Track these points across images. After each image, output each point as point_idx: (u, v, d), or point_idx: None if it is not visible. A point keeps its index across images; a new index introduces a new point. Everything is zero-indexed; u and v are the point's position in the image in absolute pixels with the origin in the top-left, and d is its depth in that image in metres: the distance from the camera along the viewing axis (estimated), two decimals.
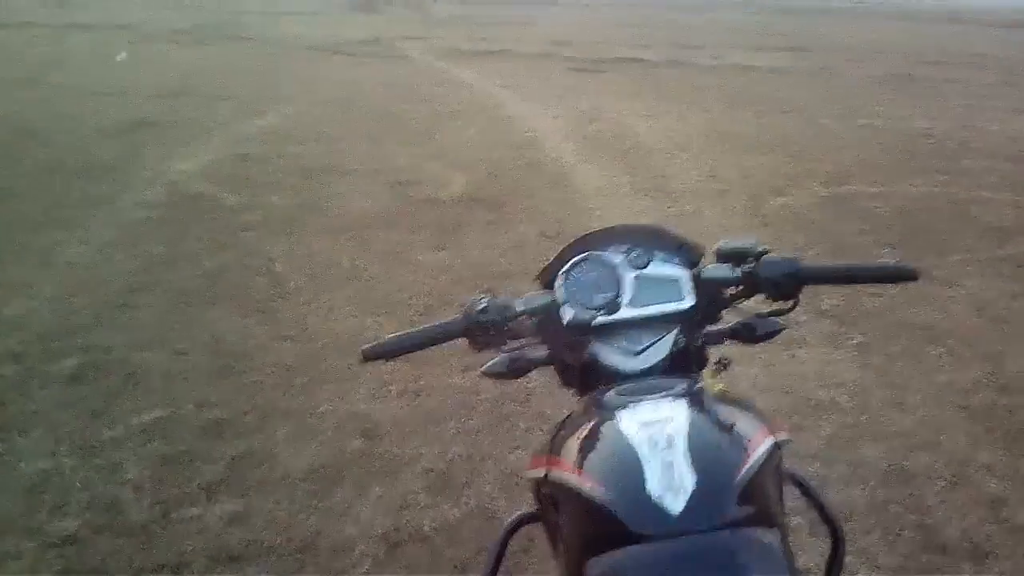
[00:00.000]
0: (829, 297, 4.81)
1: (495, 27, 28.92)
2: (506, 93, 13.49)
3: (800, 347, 4.28)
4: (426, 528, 2.94)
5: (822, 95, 13.89)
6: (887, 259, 1.58)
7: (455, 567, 2.74)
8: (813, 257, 5.43)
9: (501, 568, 1.49)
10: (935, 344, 4.34)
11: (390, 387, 3.89)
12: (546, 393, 3.68)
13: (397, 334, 1.51)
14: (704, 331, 1.64)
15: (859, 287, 4.89)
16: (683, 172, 8.32)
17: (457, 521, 2.98)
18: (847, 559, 2.69)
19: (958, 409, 3.71)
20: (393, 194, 7.30)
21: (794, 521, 2.88)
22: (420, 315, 4.61)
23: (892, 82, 15.60)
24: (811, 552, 2.68)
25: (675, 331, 1.57)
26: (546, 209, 6.86)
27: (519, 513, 1.52)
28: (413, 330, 1.53)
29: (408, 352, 1.53)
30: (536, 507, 1.49)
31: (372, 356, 1.52)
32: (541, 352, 1.64)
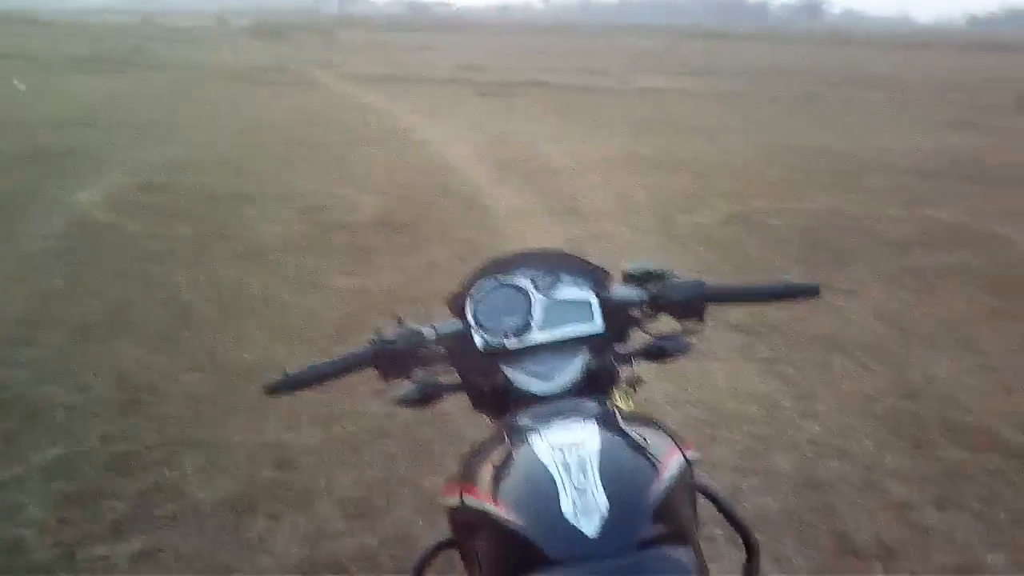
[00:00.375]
0: (736, 311, 4.90)
1: (403, 53, 28.98)
2: (416, 118, 13.50)
3: (710, 360, 4.34)
4: (343, 558, 2.88)
5: (726, 116, 14.23)
6: (789, 277, 1.62)
7: None
8: (721, 272, 5.55)
9: None
10: (841, 353, 4.45)
11: (302, 415, 3.81)
12: (461, 416, 3.65)
13: (302, 368, 1.48)
14: (614, 351, 1.65)
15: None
16: (593, 193, 8.42)
17: (375, 549, 2.92)
18: (763, 564, 2.74)
19: (865, 416, 3.80)
20: (304, 220, 7.21)
21: (716, 532, 2.92)
22: (333, 341, 4.54)
23: (793, 102, 16.07)
24: (729, 562, 2.70)
25: (585, 353, 1.58)
26: (458, 232, 6.86)
27: (435, 540, 1.50)
28: (319, 362, 1.50)
29: (314, 384, 1.50)
30: (452, 534, 1.47)
31: (276, 390, 1.48)
32: (452, 378, 1.62)
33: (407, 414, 3.76)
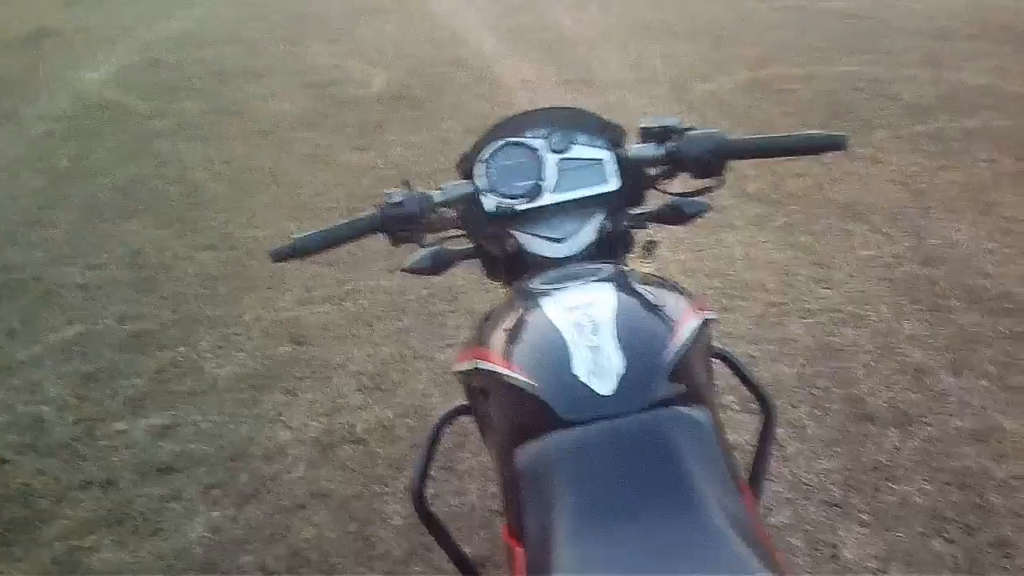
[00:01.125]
0: (754, 181, 4.81)
1: None
2: None
3: (727, 230, 4.28)
4: (359, 429, 2.91)
5: None
6: (814, 130, 1.55)
7: (390, 465, 2.73)
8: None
9: (434, 462, 1.46)
10: (859, 220, 4.38)
11: (315, 292, 3.81)
12: (474, 290, 3.64)
13: (308, 232, 1.45)
14: (629, 214, 1.61)
15: (786, 162, 4.91)
16: (608, 62, 8.20)
17: (391, 421, 2.95)
18: (778, 431, 2.75)
19: (882, 283, 3.76)
20: (313, 95, 7.08)
21: (726, 399, 2.93)
22: (344, 217, 4.49)
23: None
24: (742, 429, 2.72)
25: (600, 215, 1.53)
26: (470, 105, 6.72)
27: (450, 407, 1.49)
28: (325, 227, 1.46)
29: (321, 251, 1.46)
30: (466, 399, 1.46)
31: (282, 256, 1.45)
32: (464, 245, 1.59)
33: (420, 290, 3.76)
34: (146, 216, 4.65)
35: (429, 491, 2.56)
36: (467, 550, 2.34)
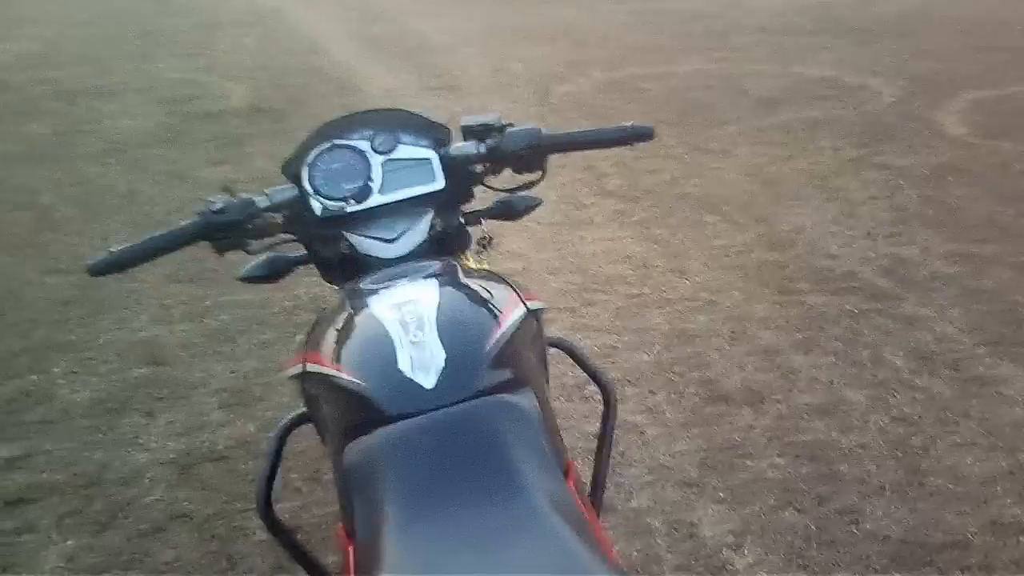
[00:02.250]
0: (612, 178, 4.93)
1: None
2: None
3: (587, 227, 4.37)
4: (220, 447, 2.85)
5: None
6: (625, 122, 1.60)
7: (253, 480, 2.68)
8: None
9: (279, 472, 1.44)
10: (712, 212, 4.53)
11: (173, 310, 3.72)
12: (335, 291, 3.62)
13: (126, 244, 1.41)
14: (462, 212, 1.63)
15: (643, 160, 5.04)
16: (469, 67, 8.27)
17: (253, 436, 2.90)
18: (637, 417, 2.82)
19: (734, 270, 3.90)
20: (168, 111, 6.90)
21: (588, 391, 2.99)
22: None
23: None
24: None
25: (430, 214, 1.54)
26: (332, 114, 6.63)
27: (289, 416, 1.48)
28: (144, 238, 1.43)
29: (141, 262, 1.43)
30: (304, 405, 1.46)
31: (100, 270, 1.41)
32: (299, 250, 1.58)
33: (284, 302, 3.71)
34: None
35: (294, 503, 2.55)
36: (333, 560, 2.34)
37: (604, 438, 1.61)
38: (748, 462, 2.68)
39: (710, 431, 2.82)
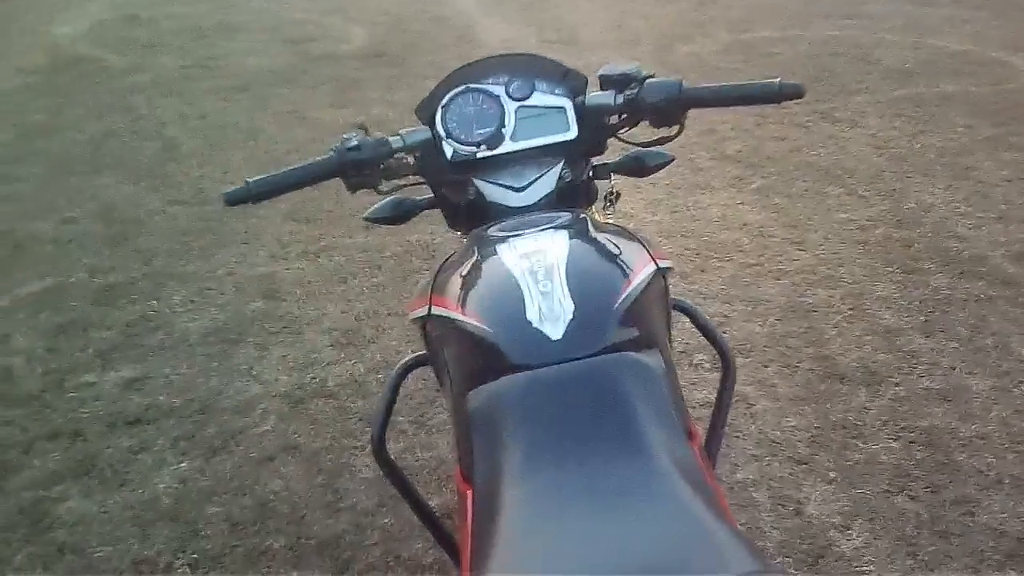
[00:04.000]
0: (733, 142, 4.80)
1: None
2: None
3: (704, 192, 4.27)
4: (331, 384, 2.90)
5: None
6: (772, 78, 1.53)
7: (361, 419, 2.73)
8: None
9: (394, 413, 1.45)
10: (835, 184, 4.38)
11: (290, 248, 3.78)
12: (452, 245, 3.62)
13: (262, 175, 1.42)
14: (592, 165, 1.60)
15: (767, 125, 4.90)
16: (590, 22, 8.14)
17: (362, 376, 2.94)
18: (747, 388, 2.77)
19: (856, 245, 3.77)
20: (290, 51, 7.00)
21: (697, 358, 2.94)
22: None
23: None
24: (711, 387, 2.73)
25: (560, 164, 1.52)
26: (450, 64, 6.52)
27: (409, 356, 1.49)
28: (279, 171, 1.43)
29: (276, 195, 1.43)
30: (424, 347, 1.46)
31: (236, 200, 1.42)
32: (426, 193, 1.57)
33: (396, 247, 3.74)
34: (119, 171, 4.59)
35: (399, 445, 2.58)
36: (435, 502, 2.37)
37: (721, 406, 1.57)
38: (861, 443, 2.60)
39: (823, 408, 2.74)
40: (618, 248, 1.26)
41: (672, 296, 1.48)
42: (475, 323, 1.16)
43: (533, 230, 1.29)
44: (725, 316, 3.24)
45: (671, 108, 1.46)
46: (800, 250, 3.74)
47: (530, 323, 1.11)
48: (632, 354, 1.13)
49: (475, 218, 1.50)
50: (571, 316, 1.11)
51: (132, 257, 3.73)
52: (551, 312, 1.12)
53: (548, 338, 1.10)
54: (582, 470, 1.02)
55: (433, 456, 2.55)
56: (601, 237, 1.29)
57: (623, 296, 1.16)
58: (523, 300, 1.13)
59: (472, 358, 1.18)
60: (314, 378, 2.94)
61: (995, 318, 3.23)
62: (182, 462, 2.57)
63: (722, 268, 3.60)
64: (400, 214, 1.55)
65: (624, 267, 1.22)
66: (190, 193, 4.33)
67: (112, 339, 3.15)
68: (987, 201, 4.15)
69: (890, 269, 3.57)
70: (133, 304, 3.38)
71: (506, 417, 1.08)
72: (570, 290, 1.14)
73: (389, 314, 3.31)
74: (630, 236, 1.35)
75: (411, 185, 1.54)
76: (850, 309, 3.29)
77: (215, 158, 4.78)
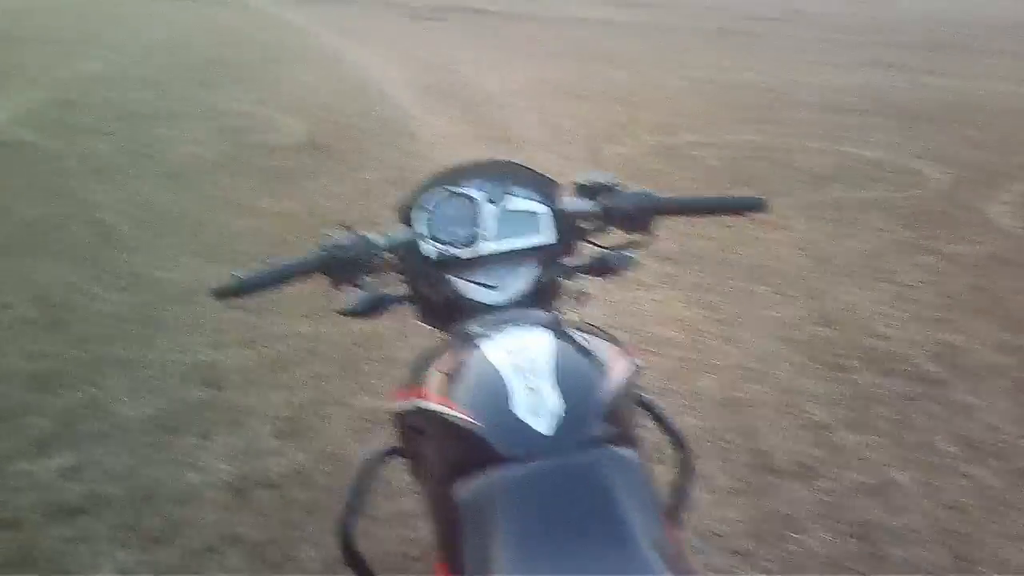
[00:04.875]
0: (664, 241, 4.94)
1: None
2: (344, 40, 13.20)
3: (639, 288, 4.40)
4: (274, 474, 2.89)
5: (653, 48, 14.24)
6: (736, 194, 1.65)
7: (305, 510, 2.72)
8: None
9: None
10: (762, 283, 4.56)
11: (229, 335, 3.78)
12: (393, 337, 3.67)
13: (252, 272, 1.46)
14: (561, 265, 1.68)
15: (694, 225, 5.08)
16: (522, 121, 8.39)
17: (306, 467, 2.94)
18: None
19: (784, 342, 3.92)
20: (227, 140, 7.06)
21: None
22: (259, 262, 4.47)
23: (719, 36, 16.13)
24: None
25: (534, 265, 1.59)
26: (388, 156, 6.79)
27: (380, 447, 1.50)
28: (268, 267, 1.48)
29: (263, 289, 1.47)
30: (399, 440, 1.49)
31: (225, 293, 1.46)
32: (399, 288, 1.63)
33: (338, 336, 3.76)
34: (54, 256, 4.54)
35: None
36: None
37: (681, 494, 1.63)
38: (797, 535, 2.68)
39: (759, 501, 2.83)
40: (596, 347, 1.33)
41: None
42: (463, 416, 1.20)
43: (513, 327, 1.36)
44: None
45: (641, 216, 1.56)
46: (731, 346, 3.87)
47: (517, 416, 1.17)
48: (617, 449, 1.19)
49: (451, 314, 1.56)
50: (561, 412, 1.17)
51: (69, 343, 3.68)
52: (538, 406, 1.17)
53: (539, 433, 1.16)
54: (575, 563, 1.07)
55: (381, 550, 2.55)
56: (579, 336, 1.36)
57: (608, 392, 1.23)
58: (509, 394, 1.19)
59: (459, 450, 1.22)
60: (257, 468, 2.92)
61: (917, 414, 3.38)
62: (122, 553, 2.52)
63: (658, 363, 3.69)
64: (376, 308, 1.60)
65: (604, 365, 1.29)
66: (127, 280, 4.30)
67: (48, 427, 3.08)
68: (905, 302, 4.37)
69: (817, 366, 3.72)
70: (70, 391, 3.32)
71: (500, 510, 1.13)
72: (556, 386, 1.20)
73: (333, 403, 3.32)
74: (603, 333, 1.42)
75: (388, 281, 1.60)
76: (781, 404, 3.41)
77: (151, 244, 4.76)
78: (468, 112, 8.68)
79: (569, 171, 5.24)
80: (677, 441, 1.61)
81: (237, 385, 3.43)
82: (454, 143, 7.39)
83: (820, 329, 4.06)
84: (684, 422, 3.22)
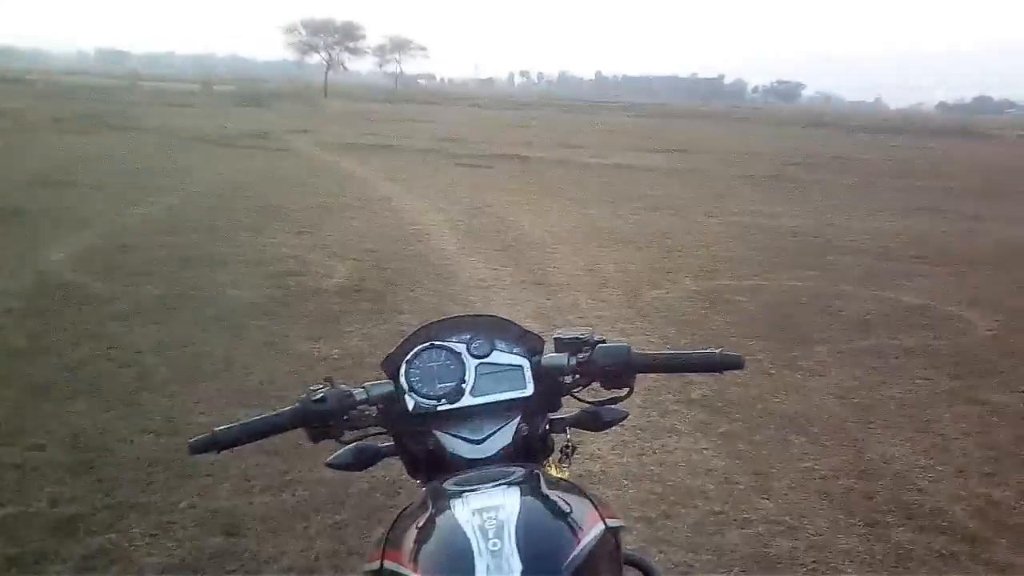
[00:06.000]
0: (698, 387, 4.92)
1: (384, 123, 29.22)
2: (392, 186, 13.61)
3: (670, 435, 4.34)
4: None
5: (695, 194, 14.45)
6: (714, 349, 1.62)
7: None
8: (684, 346, 5.57)
9: None
10: (798, 432, 4.47)
11: (255, 482, 3.77)
12: (415, 484, 3.62)
13: (228, 425, 1.48)
14: (549, 419, 1.67)
15: (732, 373, 5.02)
16: (562, 265, 8.49)
17: None
18: None
19: (819, 495, 3.81)
20: (273, 284, 7.22)
21: None
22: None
23: (761, 182, 16.34)
24: None
25: (517, 419, 1.58)
26: (428, 300, 6.89)
27: None
28: (245, 421, 1.49)
29: (241, 444, 1.49)
30: None
31: (201, 448, 1.47)
32: (388, 442, 1.62)
33: (361, 483, 3.74)
34: (91, 398, 4.62)
35: None
36: None
37: None
38: None
39: None
40: (568, 506, 1.31)
41: (629, 552, 1.51)
42: None
43: (488, 485, 1.34)
44: (689, 565, 3.23)
45: (620, 371, 1.56)
46: (764, 498, 3.77)
47: None
48: None
49: (434, 468, 1.54)
50: None
51: (95, 488, 3.69)
52: (499, 571, 1.15)
53: None
54: None
55: None
56: (552, 495, 1.34)
57: (571, 557, 1.19)
58: (473, 559, 1.16)
59: None
60: None
61: (956, 574, 3.23)
62: None
63: (687, 514, 3.61)
64: (362, 461, 1.59)
65: (574, 526, 1.26)
66: (159, 423, 4.34)
67: (67, 574, 3.07)
68: (946, 455, 4.24)
69: (853, 521, 3.60)
70: (91, 536, 3.32)
71: None
72: (518, 549, 1.17)
73: (349, 554, 3.27)
74: (580, 493, 1.39)
75: (371, 436, 1.59)
76: (814, 562, 3.29)
77: (188, 388, 4.82)
78: (507, 255, 8.82)
79: (608, 315, 5.30)
80: None
81: (257, 533, 3.39)
82: (493, 288, 7.48)
83: (857, 482, 3.94)
84: None
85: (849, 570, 3.23)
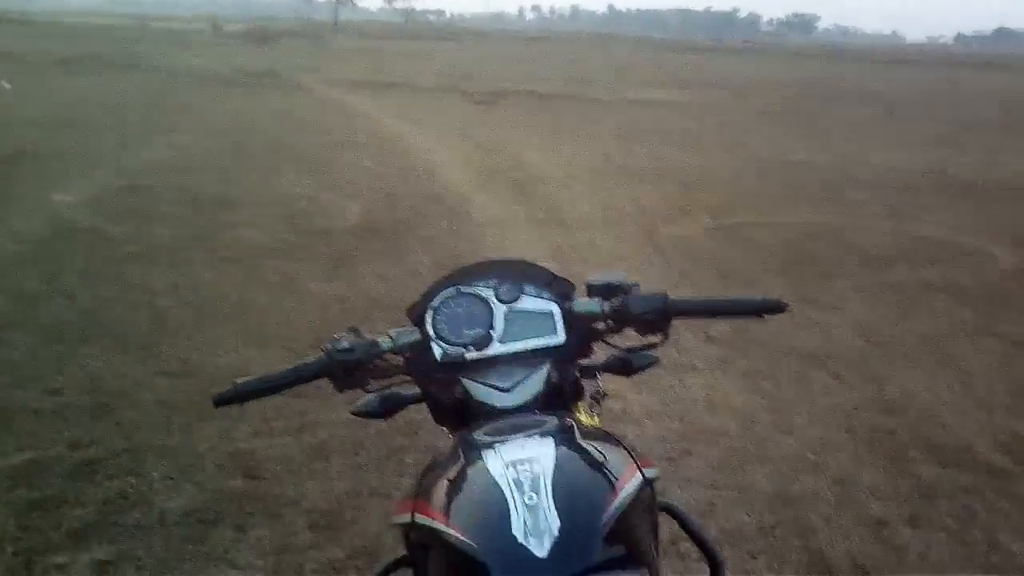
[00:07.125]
0: (716, 324, 4.86)
1: (393, 60, 28.91)
2: (404, 124, 13.47)
3: (689, 373, 4.30)
4: (307, 570, 2.83)
5: (711, 128, 14.26)
6: (754, 293, 1.59)
7: None
8: (702, 284, 5.52)
9: None
10: (819, 368, 4.42)
11: (274, 424, 3.76)
12: (435, 425, 3.60)
13: (252, 377, 1.44)
14: (578, 365, 1.62)
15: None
16: (577, 202, 8.41)
17: (341, 563, 2.87)
18: None
19: (841, 431, 3.77)
20: (285, 225, 7.18)
21: (684, 547, 2.88)
22: (310, 348, 4.48)
23: (778, 116, 16.11)
24: None
25: (547, 366, 1.53)
26: (441, 239, 6.83)
27: (388, 558, 1.45)
28: (269, 372, 1.45)
29: (265, 395, 1.45)
30: (406, 551, 1.43)
31: (225, 401, 1.43)
32: (413, 389, 1.58)
33: (381, 424, 3.70)
34: (107, 341, 4.60)
35: None
36: None
37: None
38: None
39: None
40: (604, 456, 1.26)
41: (659, 499, 1.47)
42: (460, 536, 1.14)
43: (520, 435, 1.29)
44: (711, 503, 3.21)
45: (656, 318, 1.50)
46: (786, 436, 3.73)
47: (515, 538, 1.10)
48: (619, 572, 1.11)
49: (462, 416, 1.50)
50: (556, 532, 1.10)
51: (114, 431, 3.69)
52: (536, 527, 1.11)
53: (533, 554, 1.09)
54: None
55: None
56: (588, 445, 1.29)
57: (610, 511, 1.15)
58: (508, 514, 1.12)
59: (456, 570, 1.16)
60: (290, 564, 2.86)
61: (982, 510, 3.20)
62: None
63: (708, 453, 3.58)
64: (387, 409, 1.55)
65: (611, 478, 1.21)
66: (176, 365, 4.33)
67: (87, 517, 3.07)
68: (969, 389, 4.19)
69: (877, 457, 3.56)
70: (111, 480, 3.31)
71: None
72: (556, 504, 1.13)
73: (370, 495, 3.26)
74: (616, 443, 1.35)
75: (398, 384, 1.55)
76: (837, 498, 3.26)
77: (203, 330, 4.80)
78: (521, 193, 8.73)
79: (625, 253, 5.24)
80: (707, 552, 1.51)
81: (276, 475, 3.38)
82: (508, 225, 7.41)
83: (880, 418, 3.90)
84: (736, 518, 3.10)
85: (873, 507, 3.20)
